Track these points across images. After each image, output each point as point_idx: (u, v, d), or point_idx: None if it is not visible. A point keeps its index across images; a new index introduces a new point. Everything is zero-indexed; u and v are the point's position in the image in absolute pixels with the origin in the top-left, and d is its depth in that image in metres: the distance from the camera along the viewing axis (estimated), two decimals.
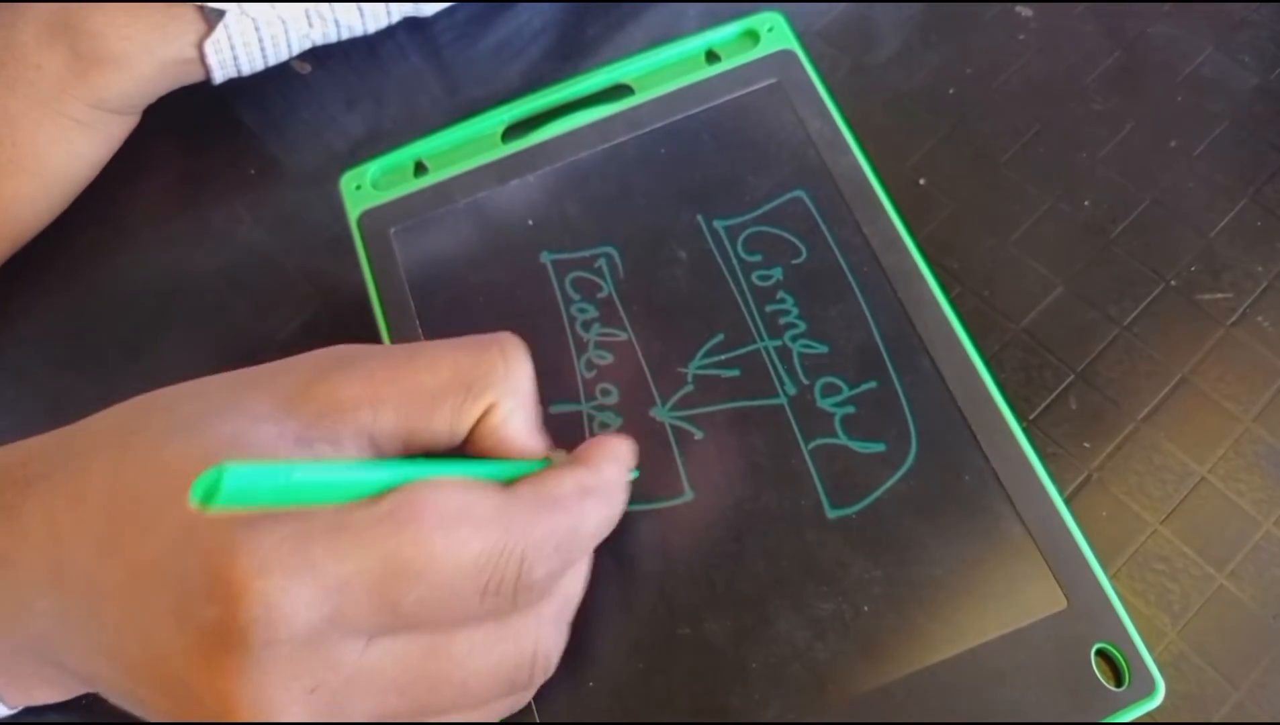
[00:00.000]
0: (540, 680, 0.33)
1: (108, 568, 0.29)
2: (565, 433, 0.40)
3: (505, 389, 0.33)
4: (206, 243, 0.49)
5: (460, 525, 0.29)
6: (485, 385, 0.33)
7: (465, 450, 0.33)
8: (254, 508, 0.27)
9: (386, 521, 0.28)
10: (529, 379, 0.34)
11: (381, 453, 0.32)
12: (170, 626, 0.28)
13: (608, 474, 0.34)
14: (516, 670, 0.32)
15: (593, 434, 0.40)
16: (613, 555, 0.37)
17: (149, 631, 0.29)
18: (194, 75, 0.49)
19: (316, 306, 0.47)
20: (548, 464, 0.34)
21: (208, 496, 0.24)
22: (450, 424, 0.32)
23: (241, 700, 0.27)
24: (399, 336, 0.42)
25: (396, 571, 0.28)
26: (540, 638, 0.32)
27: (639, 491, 0.38)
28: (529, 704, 0.35)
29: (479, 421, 0.33)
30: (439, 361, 0.33)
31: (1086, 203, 0.45)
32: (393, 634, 0.29)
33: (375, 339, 0.42)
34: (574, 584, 0.34)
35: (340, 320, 0.46)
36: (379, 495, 0.29)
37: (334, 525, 0.28)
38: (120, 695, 0.32)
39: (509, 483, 0.32)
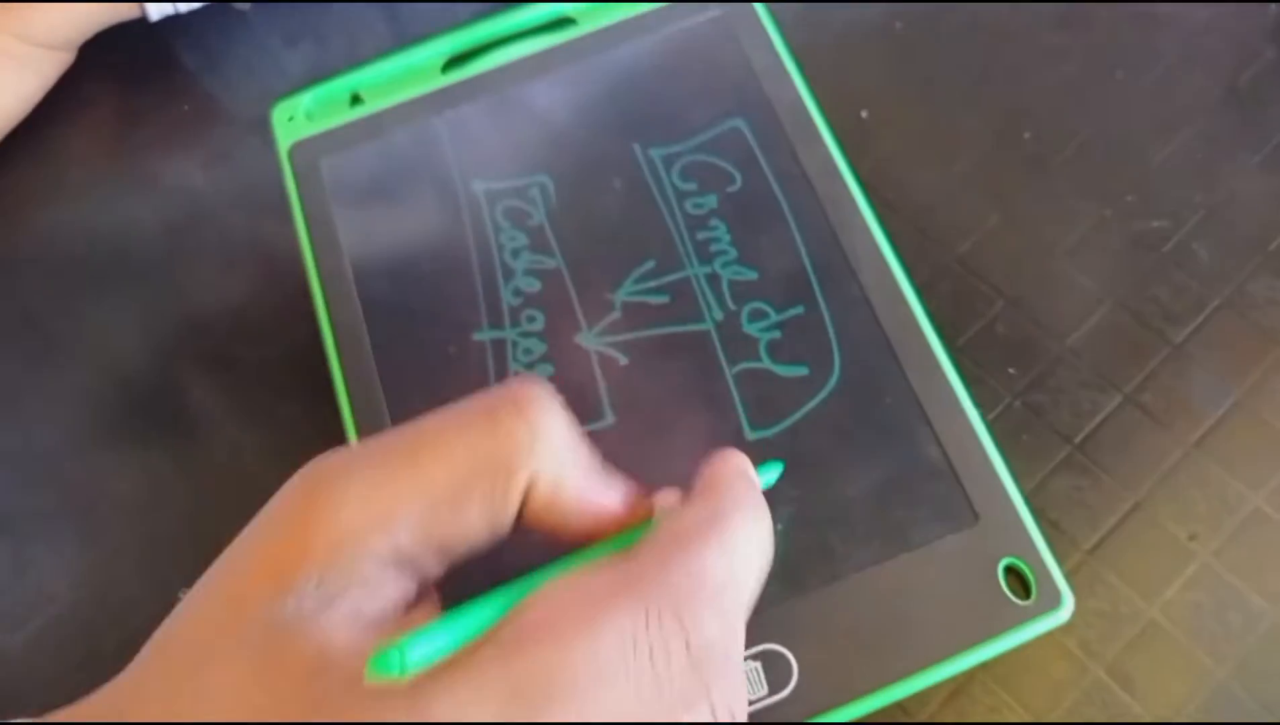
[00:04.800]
0: None
1: None
2: (489, 359, 0.39)
3: (540, 456, 0.27)
4: (139, 183, 0.49)
5: (582, 617, 0.24)
6: (514, 463, 0.27)
7: (530, 529, 0.28)
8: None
9: (498, 654, 0.24)
10: (565, 430, 0.28)
11: (422, 570, 0.27)
12: None
13: (735, 491, 0.29)
14: None
15: (516, 361, 0.39)
16: None
17: None
18: (129, 12, 0.49)
19: (247, 243, 0.47)
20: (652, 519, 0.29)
21: (389, 669, 0.24)
22: (486, 516, 0.27)
23: None
24: (327, 271, 0.41)
25: (531, 701, 0.23)
26: (726, 705, 0.25)
27: None
28: None
29: (527, 500, 0.27)
30: (448, 447, 0.27)
31: (1027, 135, 0.45)
32: None
33: (302, 277, 0.42)
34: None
35: (272, 258, 0.46)
36: (484, 635, 0.24)
37: (446, 681, 0.23)
38: None
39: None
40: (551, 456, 0.27)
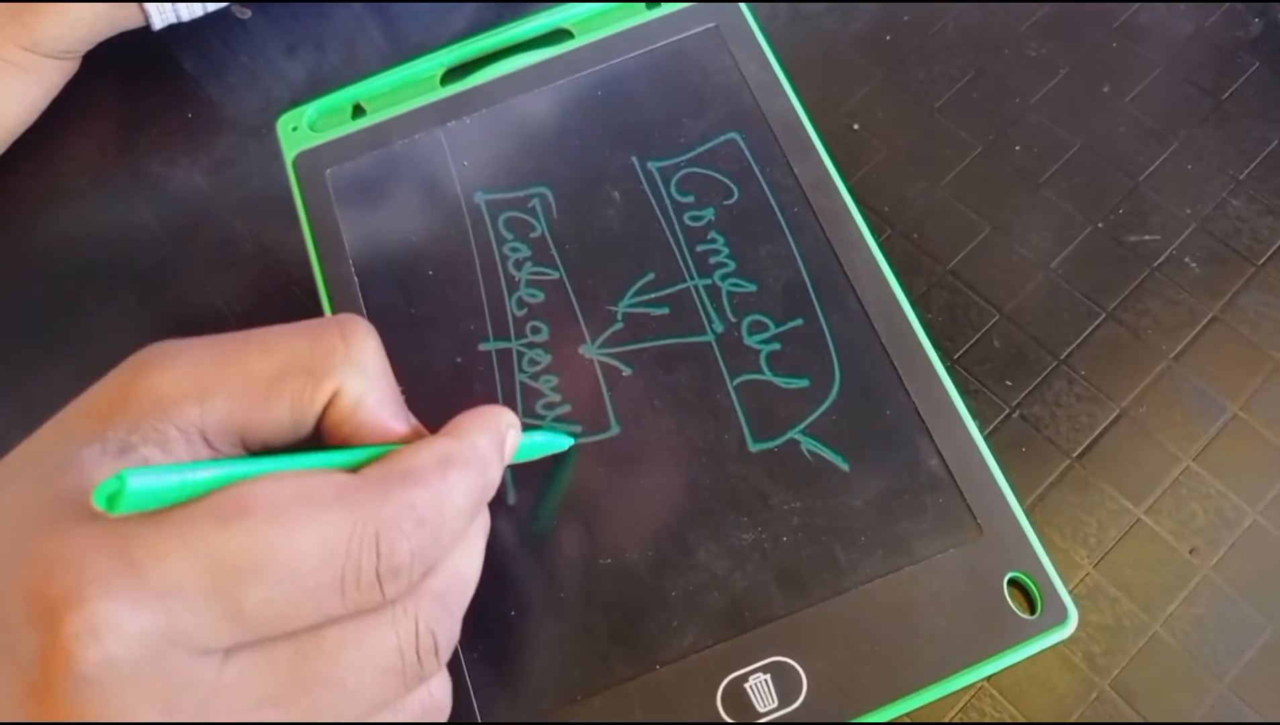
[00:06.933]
0: (433, 668, 0.30)
1: None
2: (495, 369, 0.40)
3: (350, 370, 0.30)
4: (143, 188, 0.49)
5: (295, 513, 0.26)
6: (327, 368, 0.30)
7: (322, 443, 0.31)
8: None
9: (210, 517, 0.25)
10: (376, 357, 0.31)
11: (217, 451, 0.29)
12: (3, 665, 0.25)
13: (475, 442, 0.31)
14: (402, 659, 0.29)
15: (522, 371, 0.40)
16: (536, 489, 0.38)
17: None
18: (133, 20, 0.49)
19: (251, 249, 0.47)
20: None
21: (111, 502, 0.24)
22: (291, 413, 0.30)
23: None
24: (333, 277, 0.42)
25: (231, 572, 0.25)
26: (424, 621, 0.29)
27: (565, 427, 0.38)
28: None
29: (328, 409, 0.30)
30: (273, 346, 0.30)
31: (1017, 147, 0.45)
32: (252, 646, 0.26)
33: (312, 282, 0.43)
34: (464, 561, 0.31)
35: (276, 264, 0.46)
36: (206, 493, 0.26)
37: (155, 527, 0.25)
38: None
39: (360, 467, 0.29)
40: (359, 375, 0.30)
